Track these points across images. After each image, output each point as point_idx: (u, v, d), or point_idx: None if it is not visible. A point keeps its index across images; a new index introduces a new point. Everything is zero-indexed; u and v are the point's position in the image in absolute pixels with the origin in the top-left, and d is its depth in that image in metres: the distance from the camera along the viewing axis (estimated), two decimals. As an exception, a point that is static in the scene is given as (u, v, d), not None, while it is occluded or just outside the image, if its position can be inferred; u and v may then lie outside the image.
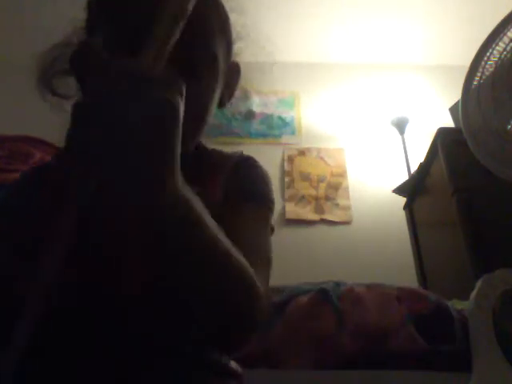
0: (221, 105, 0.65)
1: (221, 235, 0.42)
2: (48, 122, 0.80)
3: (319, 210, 2.66)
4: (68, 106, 0.59)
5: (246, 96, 0.72)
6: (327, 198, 2.70)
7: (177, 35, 0.41)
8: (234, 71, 0.66)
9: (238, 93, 0.67)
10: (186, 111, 0.40)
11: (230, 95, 0.66)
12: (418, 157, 1.97)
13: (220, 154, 0.65)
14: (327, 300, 1.00)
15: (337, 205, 2.68)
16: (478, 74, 1.06)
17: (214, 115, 0.60)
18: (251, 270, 0.43)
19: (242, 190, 0.57)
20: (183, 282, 0.41)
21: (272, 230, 0.58)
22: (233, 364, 0.53)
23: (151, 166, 0.36)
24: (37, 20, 2.47)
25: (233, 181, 0.58)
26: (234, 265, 0.42)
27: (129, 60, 0.37)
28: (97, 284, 0.45)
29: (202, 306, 0.42)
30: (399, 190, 2.00)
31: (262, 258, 0.50)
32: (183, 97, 0.38)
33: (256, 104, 3.01)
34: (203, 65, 0.54)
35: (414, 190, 1.88)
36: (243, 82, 0.68)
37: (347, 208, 2.66)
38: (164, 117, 0.36)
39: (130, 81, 0.35)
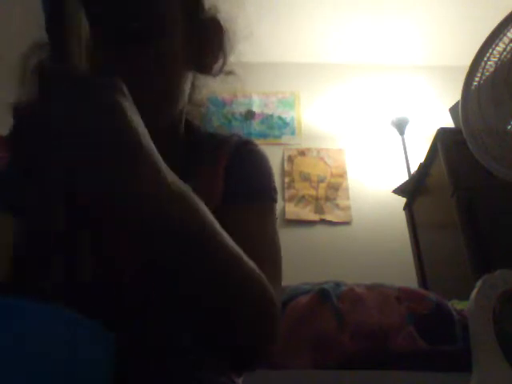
0: (203, 69, 0.58)
1: (224, 235, 0.39)
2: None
3: (319, 210, 2.66)
4: None
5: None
6: (327, 199, 2.70)
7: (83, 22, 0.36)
8: (210, 28, 0.57)
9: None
10: (142, 83, 0.39)
11: (212, 57, 0.57)
12: (418, 157, 1.98)
13: (217, 138, 0.59)
14: (327, 300, 1.00)
15: (337, 205, 2.68)
16: (478, 74, 1.05)
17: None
18: (262, 275, 0.41)
19: (243, 186, 0.53)
20: (184, 296, 0.37)
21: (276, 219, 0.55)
22: None
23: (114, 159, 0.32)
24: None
25: (233, 172, 0.54)
26: (245, 270, 0.39)
27: (59, 65, 0.33)
28: (97, 284, 0.45)
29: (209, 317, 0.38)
30: (399, 191, 2.00)
31: (271, 260, 0.48)
32: (126, 94, 0.34)
33: (256, 104, 3.01)
34: (146, 26, 0.47)
35: (413, 190, 1.88)
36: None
37: (347, 208, 2.66)
38: (114, 118, 0.32)
39: (69, 86, 0.31)
